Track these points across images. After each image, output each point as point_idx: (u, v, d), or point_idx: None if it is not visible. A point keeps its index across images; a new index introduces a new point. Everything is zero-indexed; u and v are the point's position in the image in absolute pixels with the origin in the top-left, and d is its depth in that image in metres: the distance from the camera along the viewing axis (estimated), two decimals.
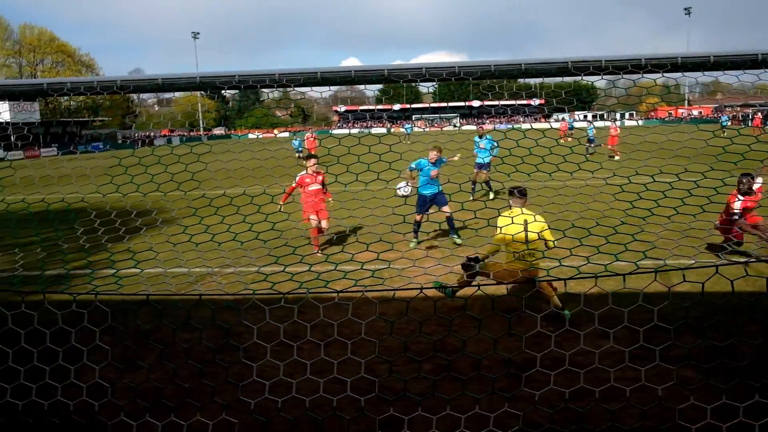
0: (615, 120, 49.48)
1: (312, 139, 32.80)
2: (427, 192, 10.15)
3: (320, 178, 10.40)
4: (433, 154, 10.20)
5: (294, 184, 10.31)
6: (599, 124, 65.75)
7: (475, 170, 15.93)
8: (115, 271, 6.86)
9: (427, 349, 5.69)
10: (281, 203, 9.93)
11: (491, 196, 16.27)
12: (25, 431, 4.50)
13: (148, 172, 4.26)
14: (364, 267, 4.44)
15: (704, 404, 3.78)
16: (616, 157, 25.02)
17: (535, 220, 6.04)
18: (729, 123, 43.28)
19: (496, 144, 15.63)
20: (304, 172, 10.37)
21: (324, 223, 10.19)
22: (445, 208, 10.01)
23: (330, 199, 10.44)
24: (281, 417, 4.49)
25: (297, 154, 32.77)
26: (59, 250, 9.46)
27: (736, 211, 8.49)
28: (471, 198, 16.03)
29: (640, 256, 5.42)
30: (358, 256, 5.50)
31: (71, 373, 4.14)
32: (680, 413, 3.98)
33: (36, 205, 6.14)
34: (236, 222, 4.70)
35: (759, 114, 52.15)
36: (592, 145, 28.65)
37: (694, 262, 7.42)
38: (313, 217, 10.05)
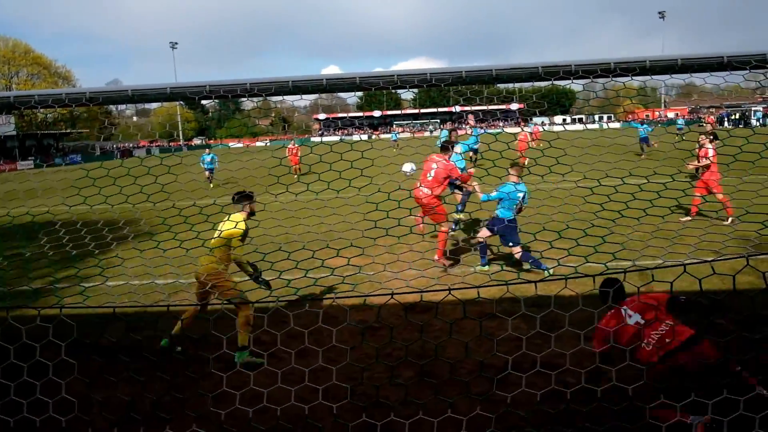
0: (534, 123, 45.53)
1: (295, 151, 25.64)
2: None
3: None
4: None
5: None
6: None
7: None
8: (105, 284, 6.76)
9: (401, 354, 5.67)
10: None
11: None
12: None
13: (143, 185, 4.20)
14: (334, 273, 4.42)
15: (674, 402, 3.80)
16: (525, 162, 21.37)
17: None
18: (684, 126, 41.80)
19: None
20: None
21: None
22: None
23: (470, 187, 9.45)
24: (253, 427, 4.43)
25: (206, 174, 25.29)
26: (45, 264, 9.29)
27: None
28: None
29: (609, 258, 5.46)
30: (329, 261, 5.49)
31: (37, 388, 4.04)
32: (651, 411, 4.00)
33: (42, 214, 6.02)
34: (206, 229, 4.66)
35: (711, 115, 53.51)
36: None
37: (662, 261, 7.49)
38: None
